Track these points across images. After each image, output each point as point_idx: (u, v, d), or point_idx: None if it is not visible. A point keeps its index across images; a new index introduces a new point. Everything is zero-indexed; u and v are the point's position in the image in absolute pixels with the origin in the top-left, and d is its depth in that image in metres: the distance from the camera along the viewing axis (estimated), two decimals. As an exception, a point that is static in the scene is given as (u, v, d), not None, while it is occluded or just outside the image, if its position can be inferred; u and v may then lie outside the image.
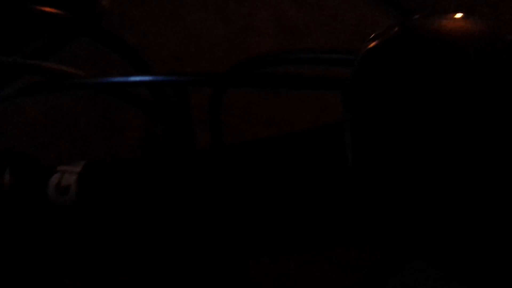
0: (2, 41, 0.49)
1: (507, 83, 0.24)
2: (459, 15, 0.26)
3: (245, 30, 1.28)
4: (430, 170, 0.24)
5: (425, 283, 0.26)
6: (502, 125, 0.24)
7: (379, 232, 0.26)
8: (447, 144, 0.24)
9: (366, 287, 0.28)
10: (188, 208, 0.31)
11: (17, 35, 0.49)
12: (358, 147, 0.25)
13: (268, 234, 0.33)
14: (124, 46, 0.40)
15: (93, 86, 0.40)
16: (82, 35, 0.42)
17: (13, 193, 0.32)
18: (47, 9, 0.40)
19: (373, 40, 0.28)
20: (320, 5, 1.28)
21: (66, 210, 0.31)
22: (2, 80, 0.57)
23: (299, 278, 1.03)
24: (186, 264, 0.34)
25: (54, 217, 0.31)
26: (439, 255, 0.25)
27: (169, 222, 0.32)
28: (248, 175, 0.33)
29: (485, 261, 0.24)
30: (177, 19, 1.27)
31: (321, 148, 0.31)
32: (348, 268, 0.99)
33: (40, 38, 0.51)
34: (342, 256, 1.00)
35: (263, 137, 0.37)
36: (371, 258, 0.29)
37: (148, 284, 0.38)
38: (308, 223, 0.31)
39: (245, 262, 0.43)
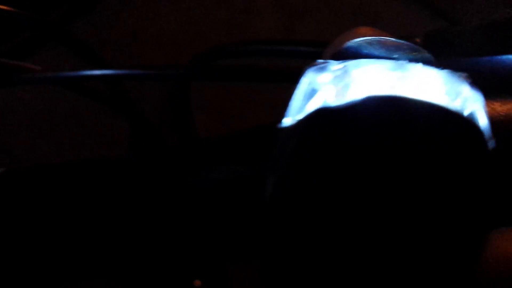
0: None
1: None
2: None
3: (246, 12, 1.25)
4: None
5: None
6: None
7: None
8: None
9: None
10: (110, 216, 0.30)
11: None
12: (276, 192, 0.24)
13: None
14: (77, 41, 0.38)
15: (48, 80, 0.39)
16: (34, 31, 0.41)
17: None
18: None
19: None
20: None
21: None
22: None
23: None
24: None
25: None
26: None
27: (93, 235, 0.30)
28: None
29: None
30: (176, 2, 1.25)
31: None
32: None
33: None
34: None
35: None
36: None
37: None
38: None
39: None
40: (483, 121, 0.22)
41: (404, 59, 0.24)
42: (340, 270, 0.22)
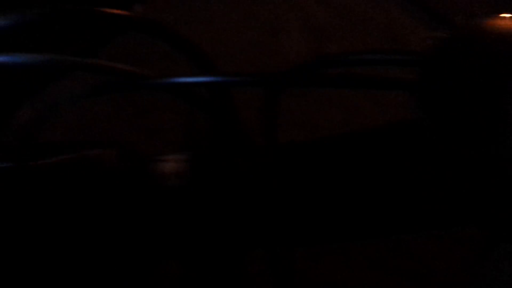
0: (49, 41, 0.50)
1: None
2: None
3: (275, 33, 1.28)
4: None
5: None
6: None
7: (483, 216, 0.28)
8: None
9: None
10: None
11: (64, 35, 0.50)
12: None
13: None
14: (191, 47, 0.41)
15: (160, 86, 0.41)
16: (147, 34, 0.43)
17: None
18: (114, 11, 0.41)
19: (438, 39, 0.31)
20: (348, 7, 1.29)
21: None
22: (47, 79, 0.57)
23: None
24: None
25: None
26: None
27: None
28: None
29: None
30: (206, 23, 1.28)
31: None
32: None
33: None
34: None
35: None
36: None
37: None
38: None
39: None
40: None
41: None
42: None
